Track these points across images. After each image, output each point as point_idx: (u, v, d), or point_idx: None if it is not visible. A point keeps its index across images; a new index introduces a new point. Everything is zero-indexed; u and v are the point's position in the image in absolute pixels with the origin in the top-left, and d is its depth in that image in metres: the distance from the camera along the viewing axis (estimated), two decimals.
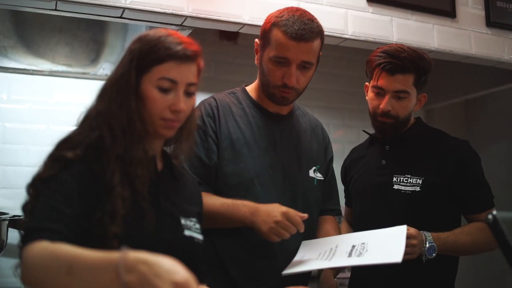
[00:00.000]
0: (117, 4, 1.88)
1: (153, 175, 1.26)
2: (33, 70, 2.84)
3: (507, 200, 3.26)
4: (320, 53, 1.72)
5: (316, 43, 1.65)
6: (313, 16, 1.68)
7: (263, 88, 1.73)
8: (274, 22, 1.64)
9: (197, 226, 1.32)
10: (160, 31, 1.27)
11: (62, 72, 2.89)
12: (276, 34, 1.62)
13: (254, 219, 1.54)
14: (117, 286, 0.90)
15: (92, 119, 1.22)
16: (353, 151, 2.22)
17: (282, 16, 1.64)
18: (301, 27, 1.60)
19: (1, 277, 2.57)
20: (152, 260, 0.91)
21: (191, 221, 1.30)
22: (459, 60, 2.67)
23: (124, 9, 1.90)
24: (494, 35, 2.68)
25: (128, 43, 2.65)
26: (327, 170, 1.90)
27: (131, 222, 1.14)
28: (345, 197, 2.19)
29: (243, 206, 1.56)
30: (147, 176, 1.20)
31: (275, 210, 1.54)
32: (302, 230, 1.54)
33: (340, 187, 2.10)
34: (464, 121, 3.85)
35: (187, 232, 1.27)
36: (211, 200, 1.58)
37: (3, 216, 2.31)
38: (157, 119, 1.24)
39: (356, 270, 2.03)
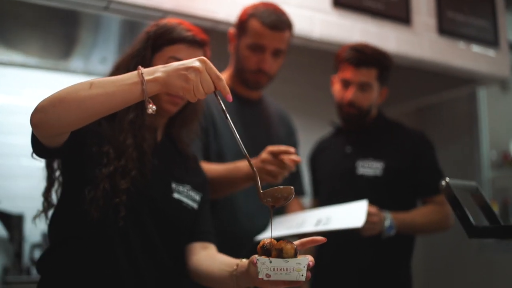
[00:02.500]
0: None
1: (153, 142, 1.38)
2: (5, 62, 2.87)
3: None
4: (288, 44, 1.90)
5: (287, 34, 1.86)
6: (283, 10, 1.88)
7: (238, 73, 1.89)
8: (252, 13, 1.82)
9: (191, 193, 1.43)
10: (174, 20, 1.45)
11: (34, 64, 2.94)
12: (254, 23, 1.80)
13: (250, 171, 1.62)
14: (136, 87, 1.05)
15: None
16: (318, 142, 2.39)
17: (258, 9, 1.83)
18: (276, 18, 1.80)
19: None
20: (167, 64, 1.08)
21: (184, 187, 1.42)
22: (413, 64, 2.88)
23: (109, 1, 2.01)
24: (445, 42, 2.91)
25: (99, 38, 2.75)
26: None
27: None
28: (313, 188, 2.34)
29: (244, 166, 1.64)
30: (152, 141, 1.33)
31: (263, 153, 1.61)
32: (291, 166, 1.57)
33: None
34: (418, 127, 4.09)
35: (175, 195, 1.39)
36: (214, 166, 1.68)
37: None
38: (163, 94, 1.36)
39: (321, 251, 2.18)
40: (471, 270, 3.46)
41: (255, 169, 1.12)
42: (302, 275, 0.97)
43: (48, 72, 2.97)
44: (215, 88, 1.07)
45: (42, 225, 1.38)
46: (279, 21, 1.81)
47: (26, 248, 2.64)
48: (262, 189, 1.09)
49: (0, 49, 2.79)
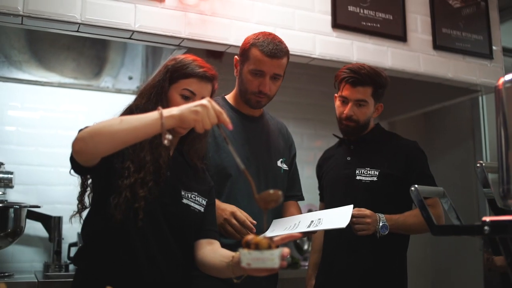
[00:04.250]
0: (128, 28, 2.30)
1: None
2: (44, 82, 3.21)
3: (463, 202, 3.69)
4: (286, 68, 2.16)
5: (285, 60, 2.11)
6: (281, 39, 2.13)
7: (241, 94, 2.16)
8: (253, 43, 2.08)
9: (198, 199, 1.71)
10: (190, 56, 1.73)
11: (69, 84, 3.27)
12: (254, 52, 2.06)
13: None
14: (157, 122, 1.34)
15: (133, 112, 1.62)
16: (325, 152, 2.66)
17: (258, 39, 2.08)
18: (274, 47, 2.05)
19: (16, 262, 2.92)
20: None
21: (192, 194, 1.70)
22: (409, 77, 3.09)
23: (133, 32, 2.32)
24: (439, 56, 3.11)
25: (126, 60, 3.06)
26: (291, 163, 2.34)
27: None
28: (320, 193, 2.61)
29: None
30: (167, 157, 1.63)
31: (227, 208, 1.93)
32: (252, 230, 1.88)
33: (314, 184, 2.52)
34: (424, 132, 4.29)
35: (184, 201, 1.68)
36: None
37: (23, 204, 2.67)
38: None
39: (326, 250, 2.44)
40: (473, 267, 3.64)
41: (250, 178, 1.38)
42: (275, 263, 1.24)
43: (82, 90, 3.31)
44: (218, 120, 1.36)
45: (77, 226, 1.68)
46: (277, 50, 2.05)
47: (65, 247, 2.97)
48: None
49: (39, 71, 3.13)
